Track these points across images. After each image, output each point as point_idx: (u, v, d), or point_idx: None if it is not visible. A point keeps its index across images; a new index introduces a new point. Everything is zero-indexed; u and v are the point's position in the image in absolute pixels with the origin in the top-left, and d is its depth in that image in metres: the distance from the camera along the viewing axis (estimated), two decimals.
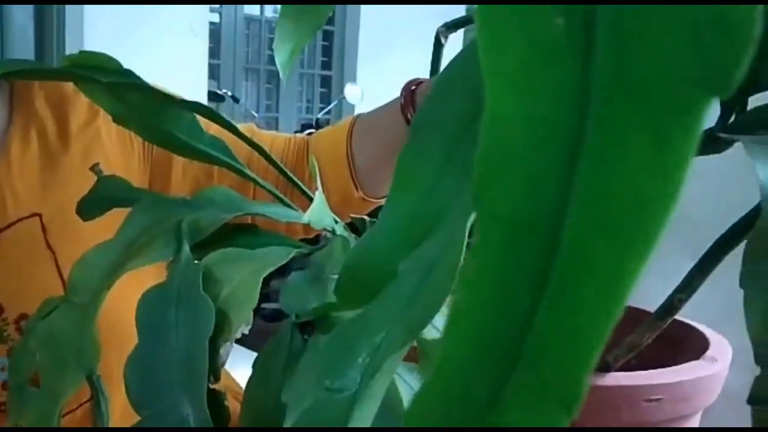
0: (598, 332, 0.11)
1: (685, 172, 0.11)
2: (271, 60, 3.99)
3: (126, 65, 0.39)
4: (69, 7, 2.61)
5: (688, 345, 0.51)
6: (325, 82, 4.31)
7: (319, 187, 0.38)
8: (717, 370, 0.46)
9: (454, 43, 0.62)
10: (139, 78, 0.39)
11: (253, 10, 3.94)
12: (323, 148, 0.66)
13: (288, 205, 0.45)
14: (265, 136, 0.69)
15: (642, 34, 0.09)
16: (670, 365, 0.46)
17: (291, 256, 0.35)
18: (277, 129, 3.85)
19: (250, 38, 3.86)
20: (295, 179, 0.42)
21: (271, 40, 3.33)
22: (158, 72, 3.10)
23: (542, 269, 0.11)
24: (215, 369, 0.30)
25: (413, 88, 0.60)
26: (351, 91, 3.04)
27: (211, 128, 0.43)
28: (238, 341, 0.35)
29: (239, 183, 0.60)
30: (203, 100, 3.09)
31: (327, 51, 4.26)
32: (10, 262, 0.65)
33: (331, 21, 4.25)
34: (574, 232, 0.11)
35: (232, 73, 3.60)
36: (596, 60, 0.10)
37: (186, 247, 0.36)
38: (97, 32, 2.76)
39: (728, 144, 0.28)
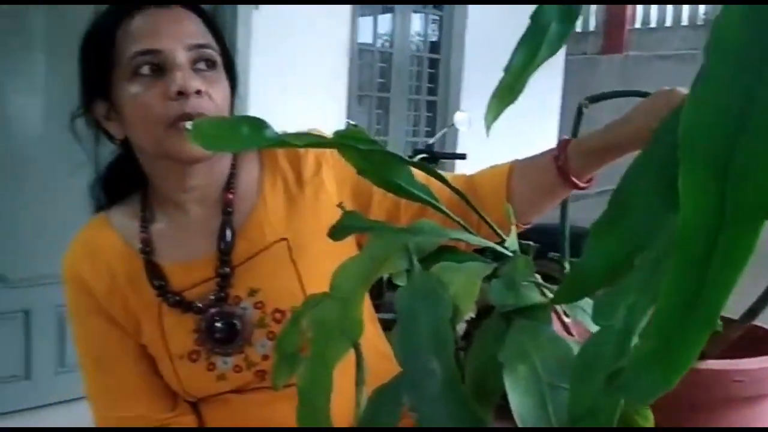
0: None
1: None
2: (382, 87, 4.25)
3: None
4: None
5: (766, 344, 0.65)
6: (431, 106, 4.50)
7: (513, 222, 0.54)
8: None
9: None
10: (379, 145, 0.56)
11: (366, 39, 4.19)
12: (487, 184, 0.85)
13: (469, 231, 0.61)
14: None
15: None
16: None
17: (491, 269, 0.52)
18: None
19: (363, 68, 4.12)
20: (482, 214, 0.59)
21: (382, 69, 3.56)
22: (307, 108, 3.43)
23: (723, 187, 0.26)
24: (455, 339, 0.46)
25: (564, 144, 0.78)
26: (459, 118, 3.21)
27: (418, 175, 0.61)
28: None
29: (419, 214, 0.80)
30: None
31: (433, 78, 4.46)
32: (267, 272, 0.88)
33: (436, 50, 4.45)
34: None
35: (347, 99, 3.84)
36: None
37: (416, 261, 0.53)
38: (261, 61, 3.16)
39: None
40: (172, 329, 0.93)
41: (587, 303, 0.52)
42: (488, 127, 0.53)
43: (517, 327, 0.47)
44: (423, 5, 4.38)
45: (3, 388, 2.78)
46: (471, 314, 0.48)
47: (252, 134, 0.52)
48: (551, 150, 0.80)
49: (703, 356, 0.61)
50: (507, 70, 0.50)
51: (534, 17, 0.49)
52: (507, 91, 0.50)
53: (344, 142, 0.55)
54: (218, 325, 0.90)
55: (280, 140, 0.55)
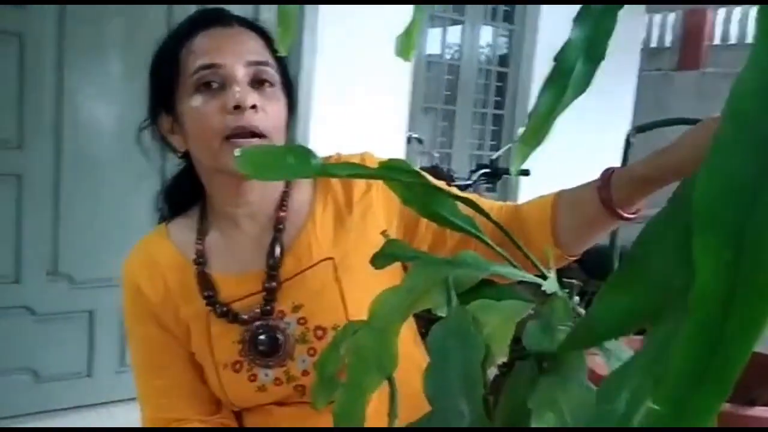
0: None
1: None
2: (448, 100, 4.24)
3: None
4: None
5: None
6: (497, 120, 4.47)
7: (552, 266, 0.54)
8: None
9: None
10: (424, 177, 0.57)
11: (434, 50, 4.19)
12: (532, 215, 0.84)
13: (512, 264, 0.61)
14: (485, 203, 0.88)
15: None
16: None
17: (528, 310, 0.51)
18: (449, 164, 4.05)
19: (429, 80, 4.12)
20: (526, 247, 0.58)
21: (449, 81, 3.55)
22: (370, 118, 3.45)
23: (738, 256, 0.24)
24: (485, 383, 0.46)
25: (609, 174, 0.76)
26: None
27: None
28: None
29: (463, 240, 0.80)
30: (402, 143, 3.47)
31: (501, 92, 4.42)
32: (312, 290, 0.90)
33: (505, 63, 4.42)
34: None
35: (411, 112, 3.85)
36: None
37: (454, 296, 0.53)
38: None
39: None
40: (218, 338, 0.96)
41: (617, 346, 0.51)
42: (515, 173, 0.53)
43: (549, 373, 0.46)
44: (494, 19, 4.35)
45: (65, 384, 2.86)
46: (504, 359, 0.47)
47: (297, 164, 0.53)
48: (595, 180, 0.78)
49: (752, 402, 0.59)
50: (531, 114, 0.49)
51: (558, 57, 0.47)
52: (532, 136, 0.49)
53: (388, 174, 0.56)
54: (262, 337, 0.94)
55: (324, 170, 0.56)
